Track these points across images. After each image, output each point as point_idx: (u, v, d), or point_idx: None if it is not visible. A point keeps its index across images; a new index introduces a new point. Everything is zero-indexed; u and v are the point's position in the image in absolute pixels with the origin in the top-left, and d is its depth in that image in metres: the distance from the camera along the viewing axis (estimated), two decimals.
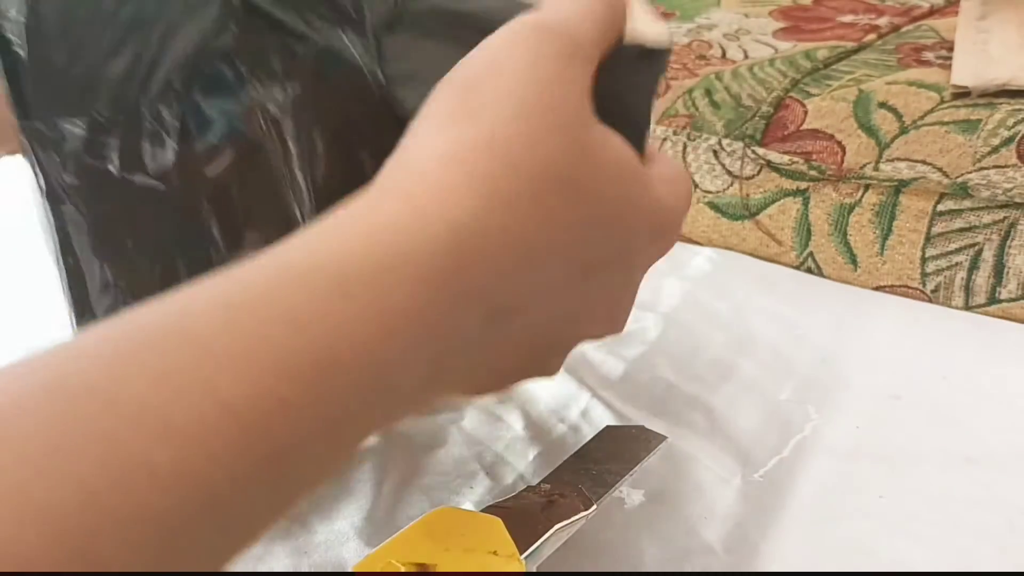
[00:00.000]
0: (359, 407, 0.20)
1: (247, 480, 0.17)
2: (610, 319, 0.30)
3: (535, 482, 0.35)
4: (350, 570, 0.30)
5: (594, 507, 0.32)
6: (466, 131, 0.23)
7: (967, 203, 0.50)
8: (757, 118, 0.57)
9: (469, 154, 0.22)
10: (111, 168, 0.24)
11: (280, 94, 0.25)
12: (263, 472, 0.18)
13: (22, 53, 0.24)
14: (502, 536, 0.29)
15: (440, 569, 0.28)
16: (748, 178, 0.57)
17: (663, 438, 0.37)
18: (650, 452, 0.36)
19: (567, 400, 0.43)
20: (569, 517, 0.31)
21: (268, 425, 0.17)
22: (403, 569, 0.28)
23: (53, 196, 0.25)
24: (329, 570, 0.34)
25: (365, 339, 0.20)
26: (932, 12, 0.75)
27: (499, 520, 0.30)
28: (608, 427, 0.39)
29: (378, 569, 0.29)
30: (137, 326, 0.18)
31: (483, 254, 0.22)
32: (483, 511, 0.32)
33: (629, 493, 0.38)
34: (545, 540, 0.30)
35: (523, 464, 0.39)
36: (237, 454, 0.17)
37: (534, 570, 0.30)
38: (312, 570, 0.34)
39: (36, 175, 0.26)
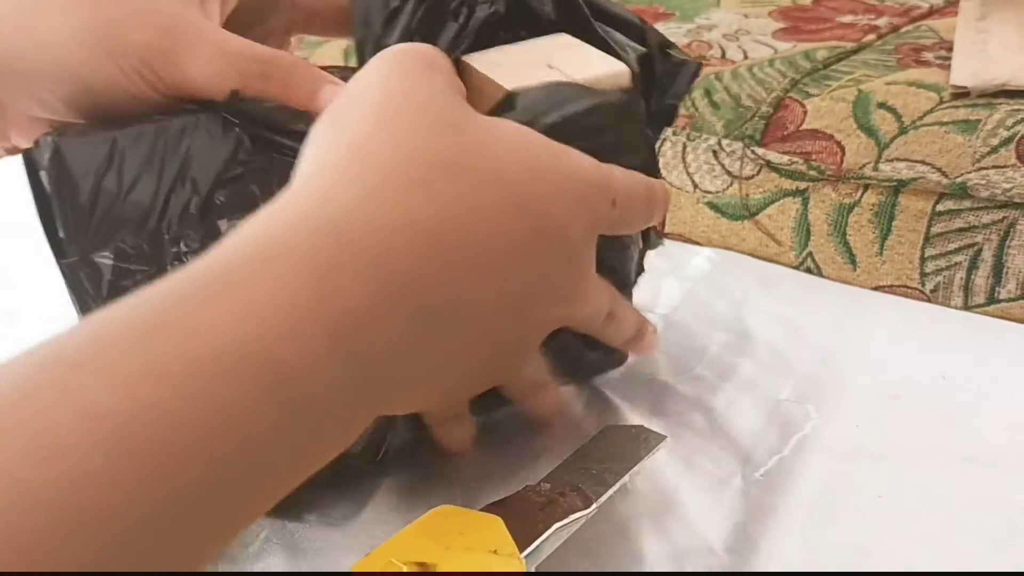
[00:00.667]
0: (264, 415, 0.19)
1: (126, 490, 0.16)
2: (566, 298, 0.29)
3: (535, 481, 0.35)
4: (349, 570, 0.30)
5: (594, 506, 0.32)
6: (339, 142, 0.25)
7: (966, 203, 0.50)
8: (757, 118, 0.57)
9: (340, 160, 0.24)
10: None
11: None
12: (143, 483, 0.17)
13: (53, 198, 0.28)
14: (502, 535, 0.29)
15: (440, 568, 0.28)
16: (748, 178, 0.57)
17: (663, 437, 0.37)
18: (650, 451, 0.36)
19: (567, 399, 0.43)
20: (569, 516, 0.31)
21: (138, 430, 0.17)
22: (403, 568, 0.28)
23: None
24: (328, 570, 0.34)
25: (245, 336, 0.19)
26: (931, 12, 0.75)
27: (499, 519, 0.30)
28: (608, 427, 0.39)
29: (378, 569, 0.29)
30: (23, 353, 0.18)
31: (372, 243, 0.22)
32: (483, 510, 0.32)
33: (629, 492, 0.38)
34: (545, 539, 0.30)
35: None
36: (107, 463, 0.16)
37: (533, 569, 0.30)
38: (310, 570, 0.34)
39: (75, 306, 0.29)
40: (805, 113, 0.57)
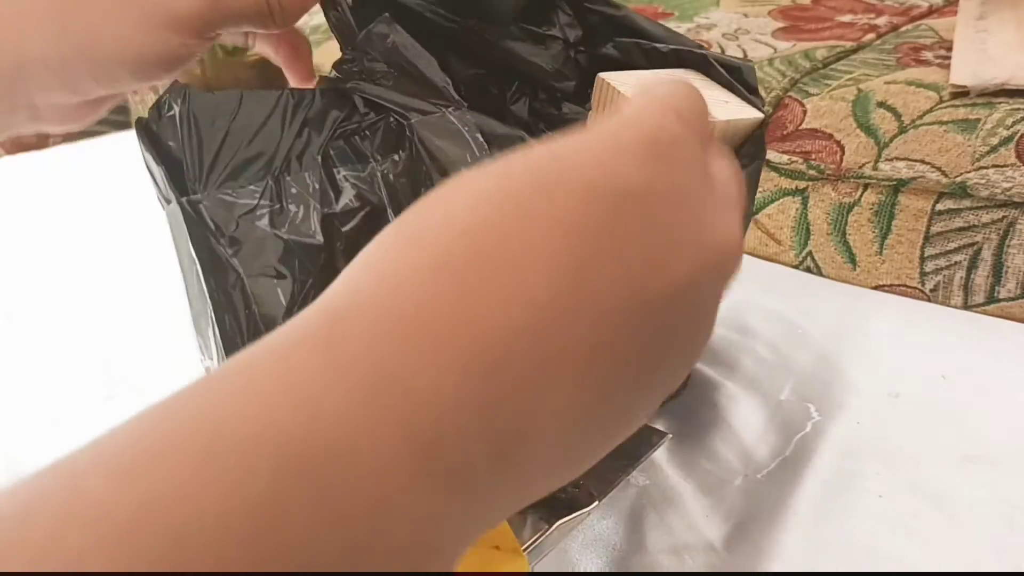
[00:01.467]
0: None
1: None
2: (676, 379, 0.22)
3: None
4: None
5: (596, 502, 0.32)
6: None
7: (966, 202, 0.50)
8: None
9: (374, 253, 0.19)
10: (262, 225, 0.30)
11: (392, 164, 0.32)
12: None
13: (173, 144, 0.31)
14: (505, 530, 0.29)
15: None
16: None
17: (665, 434, 0.38)
18: (652, 448, 0.36)
19: None
20: (572, 512, 0.31)
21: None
22: None
23: (206, 257, 0.30)
24: None
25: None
26: (931, 12, 0.75)
27: None
28: None
29: None
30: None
31: (402, 338, 0.16)
32: None
33: (631, 489, 0.38)
34: (548, 535, 0.30)
35: None
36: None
37: (536, 568, 0.30)
38: None
39: (189, 245, 0.30)
40: (805, 112, 0.57)
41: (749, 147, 0.34)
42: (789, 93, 0.59)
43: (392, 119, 0.33)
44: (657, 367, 0.19)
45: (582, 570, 0.34)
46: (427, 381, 0.16)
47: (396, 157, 0.32)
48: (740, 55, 0.66)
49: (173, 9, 0.31)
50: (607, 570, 0.34)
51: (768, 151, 0.56)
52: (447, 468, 0.16)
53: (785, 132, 0.56)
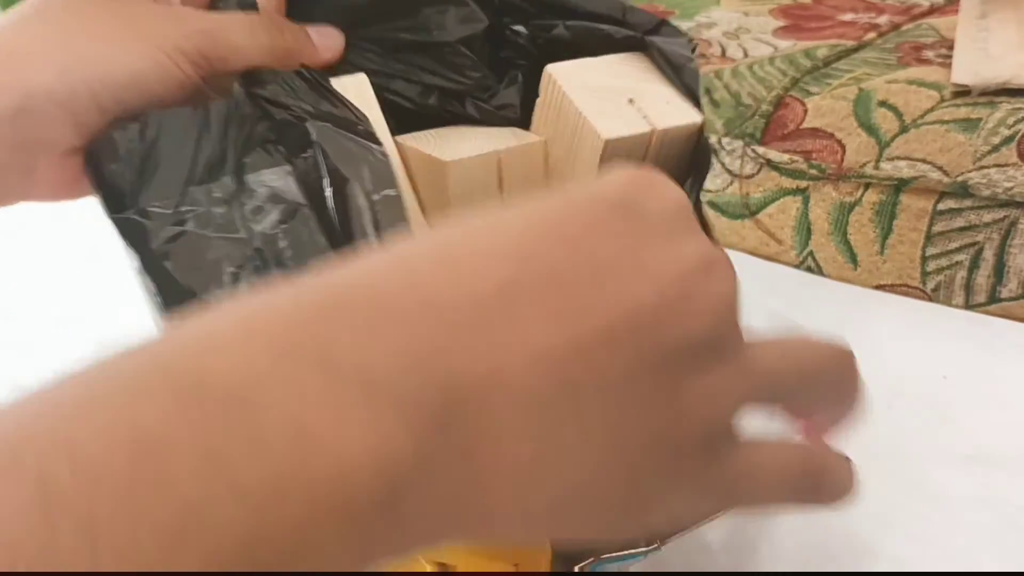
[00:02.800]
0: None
1: None
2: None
3: None
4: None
5: (655, 545, 0.29)
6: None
7: (967, 202, 0.50)
8: (757, 117, 0.57)
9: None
10: (188, 228, 0.33)
11: (303, 161, 0.34)
12: None
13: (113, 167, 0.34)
14: (535, 554, 0.29)
15: (458, 570, 0.29)
16: (748, 177, 0.57)
17: None
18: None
19: None
20: (624, 551, 0.29)
21: None
22: (427, 568, 0.29)
23: (148, 263, 0.33)
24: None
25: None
26: (932, 11, 0.75)
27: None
28: None
29: (405, 568, 0.29)
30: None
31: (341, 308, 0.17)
32: None
33: None
34: (589, 566, 0.29)
35: None
36: None
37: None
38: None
39: (130, 253, 0.34)
40: (806, 111, 0.56)
41: (696, 156, 0.35)
42: (790, 92, 0.59)
43: (297, 121, 0.35)
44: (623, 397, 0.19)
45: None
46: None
47: (305, 155, 0.34)
48: (741, 54, 0.66)
49: (176, 42, 0.33)
50: (606, 570, 0.34)
51: (769, 150, 0.56)
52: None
53: (786, 131, 0.56)
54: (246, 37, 0.35)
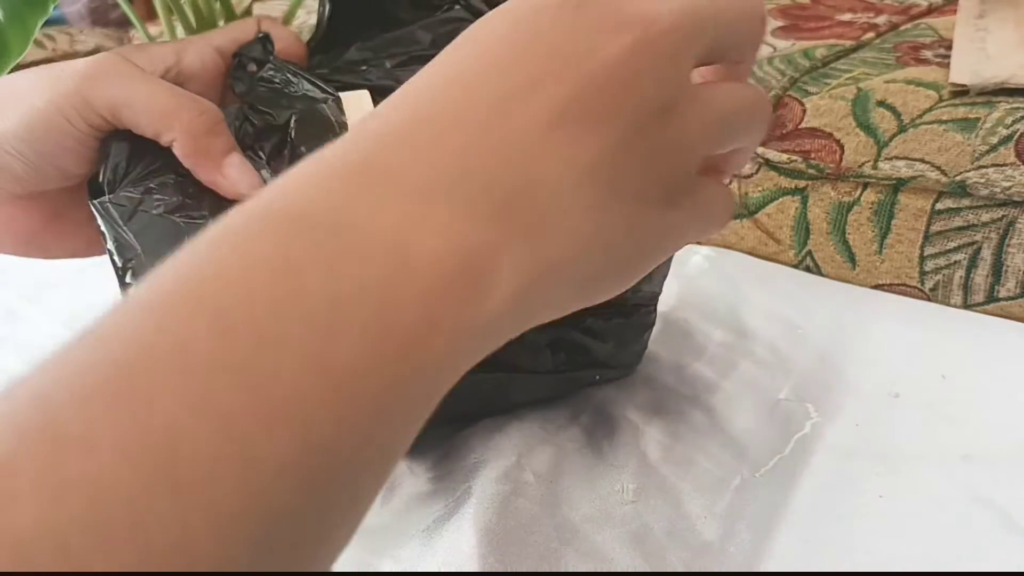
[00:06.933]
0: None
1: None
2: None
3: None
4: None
5: None
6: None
7: (966, 202, 0.50)
8: None
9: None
10: (157, 212, 0.36)
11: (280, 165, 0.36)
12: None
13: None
14: None
15: None
16: (746, 176, 0.57)
17: None
18: None
19: (569, 398, 0.43)
20: None
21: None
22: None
23: (120, 248, 0.36)
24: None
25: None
26: (930, 10, 0.75)
27: None
28: None
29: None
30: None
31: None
32: None
33: (628, 490, 0.38)
34: None
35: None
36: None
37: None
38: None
39: (104, 237, 0.36)
40: (804, 111, 0.56)
41: None
42: (788, 92, 0.59)
43: (277, 122, 0.37)
44: (623, 130, 0.23)
45: (580, 570, 0.34)
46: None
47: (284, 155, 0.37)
48: None
49: (71, 100, 0.34)
50: (605, 570, 0.34)
51: (768, 150, 0.56)
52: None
53: (784, 131, 0.56)
54: (147, 99, 0.35)
